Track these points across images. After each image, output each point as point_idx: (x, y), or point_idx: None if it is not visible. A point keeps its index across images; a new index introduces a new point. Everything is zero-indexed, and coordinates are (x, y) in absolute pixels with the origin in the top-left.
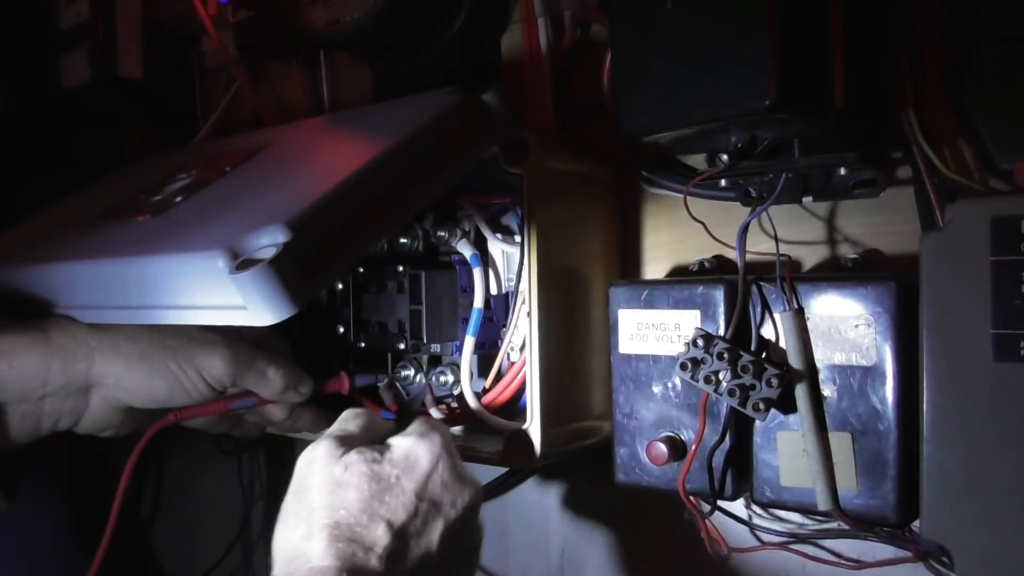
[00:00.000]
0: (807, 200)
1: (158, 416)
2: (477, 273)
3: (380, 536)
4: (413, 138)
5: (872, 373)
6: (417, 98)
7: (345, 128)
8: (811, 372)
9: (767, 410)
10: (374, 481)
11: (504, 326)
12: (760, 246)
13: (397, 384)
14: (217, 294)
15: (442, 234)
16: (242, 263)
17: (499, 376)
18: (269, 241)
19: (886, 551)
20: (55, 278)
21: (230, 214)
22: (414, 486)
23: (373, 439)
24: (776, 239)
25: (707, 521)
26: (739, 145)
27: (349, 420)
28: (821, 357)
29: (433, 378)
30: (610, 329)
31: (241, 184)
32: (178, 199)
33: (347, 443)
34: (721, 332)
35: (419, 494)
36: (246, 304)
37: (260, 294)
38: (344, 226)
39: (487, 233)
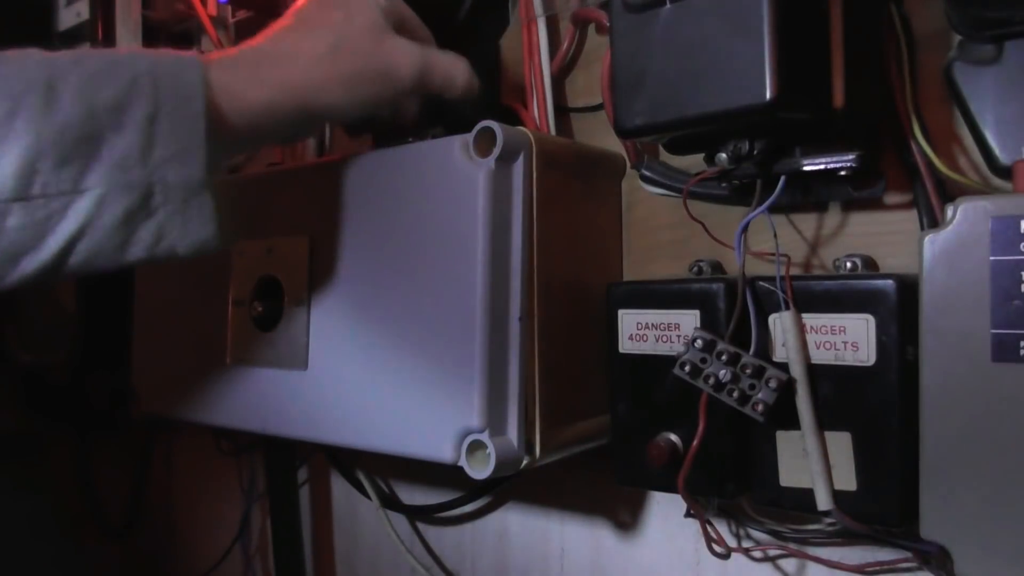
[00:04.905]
0: (807, 201)
1: None
2: None
3: None
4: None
5: (872, 373)
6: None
7: None
8: (811, 372)
9: (767, 410)
10: None
11: None
12: (760, 246)
13: None
14: None
15: None
16: None
17: None
18: None
19: (886, 552)
20: None
21: None
22: None
23: None
24: (776, 239)
25: (707, 521)
26: (738, 145)
27: None
28: (821, 357)
29: None
30: (610, 329)
31: None
32: None
33: None
34: (721, 332)
35: None
36: None
37: None
38: None
39: None
